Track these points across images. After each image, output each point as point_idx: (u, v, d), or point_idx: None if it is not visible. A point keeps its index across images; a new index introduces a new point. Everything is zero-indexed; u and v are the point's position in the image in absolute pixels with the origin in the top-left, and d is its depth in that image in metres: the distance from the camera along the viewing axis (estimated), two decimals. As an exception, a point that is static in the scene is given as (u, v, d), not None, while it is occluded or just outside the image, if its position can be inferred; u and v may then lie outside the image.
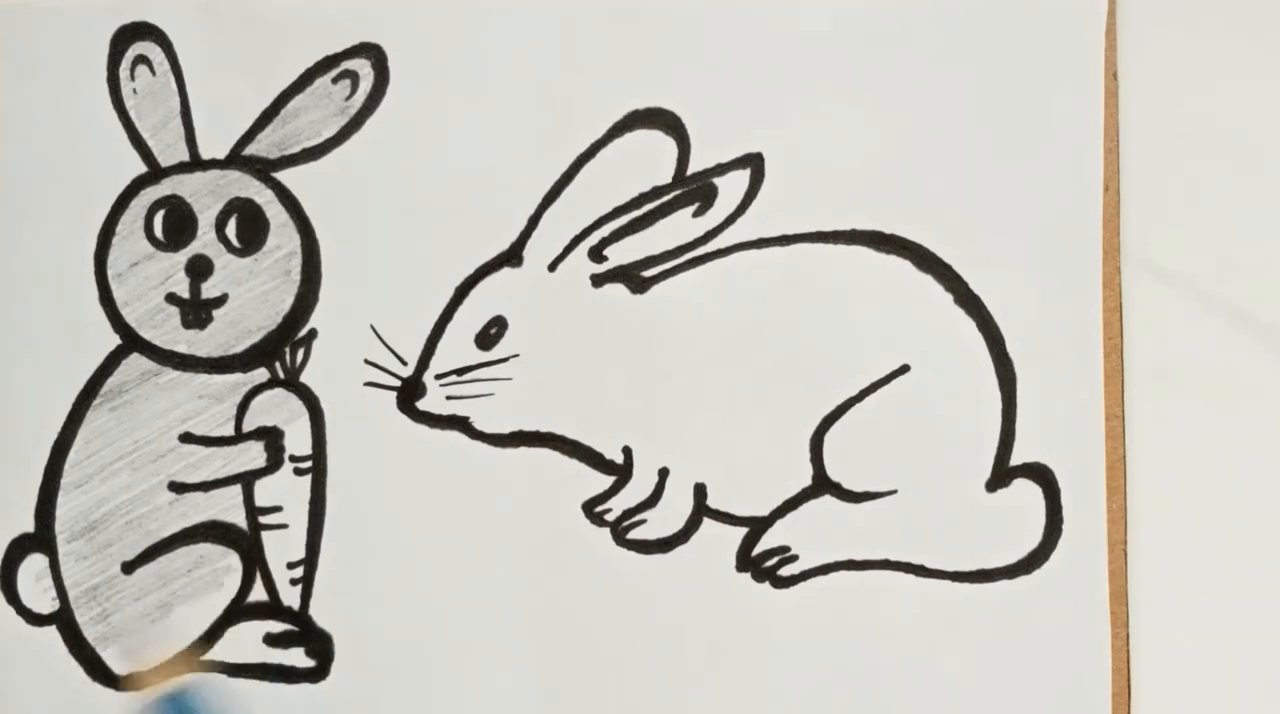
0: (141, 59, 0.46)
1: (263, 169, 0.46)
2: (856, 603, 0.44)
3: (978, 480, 0.44)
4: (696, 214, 0.45)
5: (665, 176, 0.45)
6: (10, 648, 0.45)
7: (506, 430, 0.45)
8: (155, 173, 0.46)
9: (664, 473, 0.45)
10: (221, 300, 0.46)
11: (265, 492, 0.45)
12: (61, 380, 0.46)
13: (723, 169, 0.45)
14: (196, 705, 0.43)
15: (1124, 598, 0.44)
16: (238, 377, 0.46)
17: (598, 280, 0.45)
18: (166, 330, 0.46)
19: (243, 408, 0.45)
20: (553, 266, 0.45)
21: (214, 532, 0.45)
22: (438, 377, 0.45)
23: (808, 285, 0.45)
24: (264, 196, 0.46)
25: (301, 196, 0.46)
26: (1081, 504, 0.44)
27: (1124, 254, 0.45)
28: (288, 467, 0.45)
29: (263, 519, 0.45)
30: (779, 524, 0.44)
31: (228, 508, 0.45)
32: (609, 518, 0.45)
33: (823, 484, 0.45)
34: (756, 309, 0.45)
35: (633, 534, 0.45)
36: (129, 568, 0.45)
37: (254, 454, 0.45)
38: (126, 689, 0.45)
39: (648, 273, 0.45)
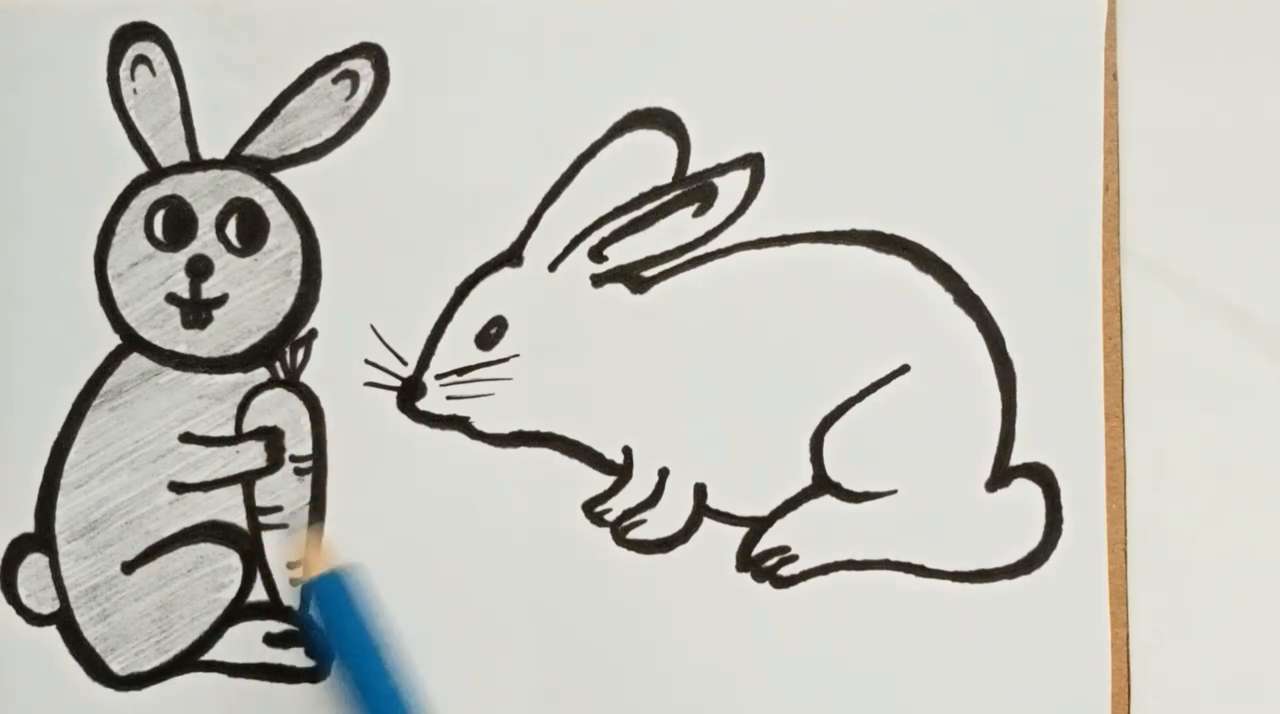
0: (141, 59, 0.46)
1: (263, 169, 0.46)
2: (856, 603, 0.44)
3: (978, 480, 0.44)
4: (696, 214, 0.45)
5: (665, 176, 0.45)
6: (10, 648, 0.45)
7: (506, 430, 0.45)
8: (155, 173, 0.46)
9: (664, 473, 0.45)
10: (221, 300, 0.46)
11: (265, 492, 0.45)
12: (61, 380, 0.46)
13: (723, 169, 0.45)
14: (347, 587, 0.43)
15: (1124, 598, 0.44)
16: (238, 377, 0.46)
17: (598, 280, 0.45)
18: (166, 330, 0.46)
19: (243, 408, 0.45)
20: (553, 267, 0.45)
21: (214, 532, 0.45)
22: (438, 376, 0.45)
23: (808, 285, 0.45)
24: (264, 196, 0.46)
25: (301, 196, 0.46)
26: (1081, 504, 0.44)
27: (1124, 254, 0.45)
28: (288, 466, 0.45)
29: (263, 519, 0.45)
30: (779, 524, 0.45)
31: (228, 508, 0.45)
32: (609, 518, 0.45)
33: (823, 484, 0.45)
34: (756, 309, 0.45)
35: (633, 534, 0.45)
36: (129, 568, 0.45)
37: (254, 454, 0.45)
38: (127, 689, 0.45)
39: (648, 273, 0.45)
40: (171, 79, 0.46)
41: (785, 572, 0.44)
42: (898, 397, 0.44)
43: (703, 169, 0.45)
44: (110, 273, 0.46)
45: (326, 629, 0.43)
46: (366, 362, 0.45)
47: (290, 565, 0.45)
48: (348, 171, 0.46)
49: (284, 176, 0.46)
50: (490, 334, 0.45)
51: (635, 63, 0.46)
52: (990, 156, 0.45)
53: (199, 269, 0.46)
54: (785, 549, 0.44)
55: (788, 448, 0.45)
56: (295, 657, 0.45)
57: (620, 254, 0.45)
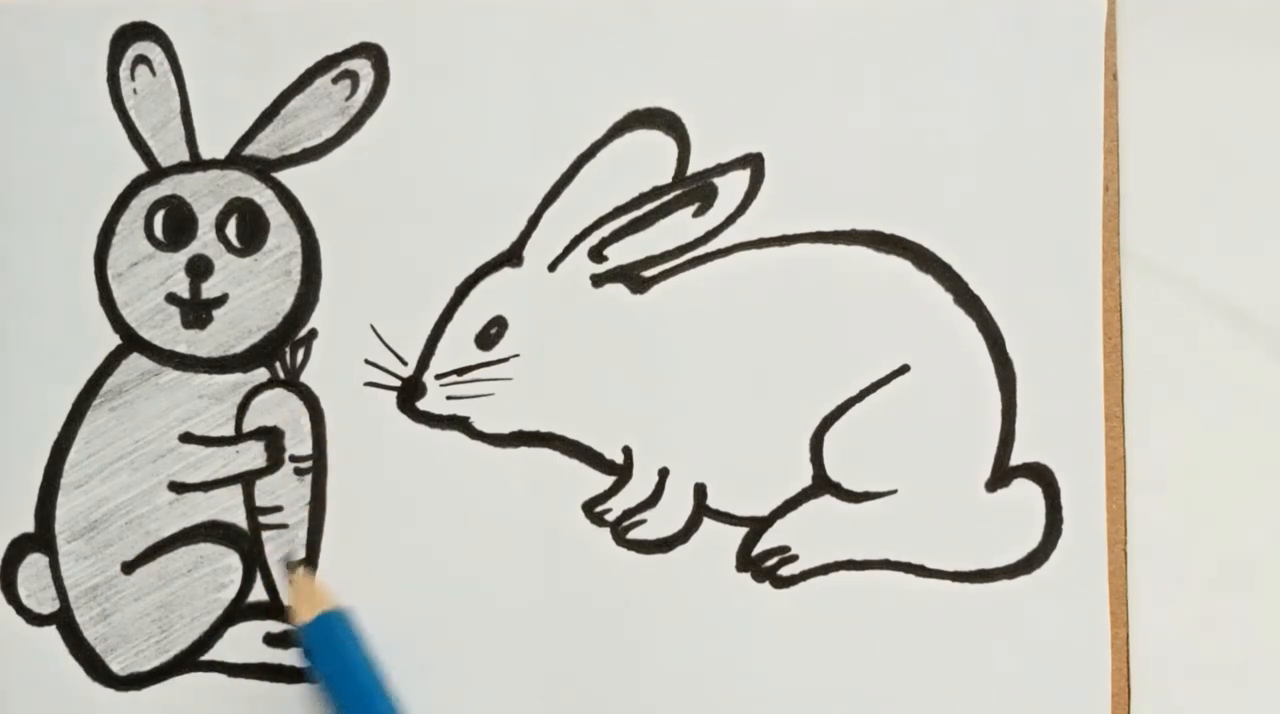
0: (141, 59, 0.46)
1: (263, 169, 0.46)
2: (856, 603, 0.44)
3: (978, 480, 0.44)
4: (696, 214, 0.45)
5: (665, 176, 0.45)
6: (10, 648, 0.45)
7: (506, 430, 0.45)
8: (155, 173, 0.46)
9: (664, 473, 0.45)
10: (221, 300, 0.46)
11: (265, 492, 0.45)
12: (61, 380, 0.46)
13: (723, 169, 0.45)
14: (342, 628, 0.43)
15: (1124, 598, 0.44)
16: (238, 377, 0.46)
17: (598, 280, 0.45)
18: (166, 330, 0.46)
19: (243, 408, 0.45)
20: (553, 266, 0.45)
21: (214, 532, 0.45)
22: (438, 376, 0.45)
23: (808, 285, 0.45)
24: (264, 196, 0.46)
25: (301, 196, 0.46)
26: (1081, 504, 0.44)
27: (1124, 254, 0.45)
28: (288, 466, 0.45)
29: (263, 519, 0.45)
30: (779, 524, 0.45)
31: (228, 508, 0.45)
32: (609, 518, 0.45)
33: (823, 484, 0.45)
34: (756, 309, 0.45)
35: (633, 534, 0.45)
36: (129, 568, 0.45)
37: (254, 454, 0.45)
38: (127, 689, 0.45)
39: (648, 273, 0.45)
40: (171, 79, 0.46)
41: (785, 572, 0.44)
42: (898, 397, 0.44)
43: (703, 169, 0.45)
44: (110, 273, 0.46)
45: (318, 673, 0.42)
46: (366, 362, 0.45)
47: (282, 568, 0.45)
48: (348, 171, 0.46)
49: (284, 176, 0.46)
50: (490, 334, 0.45)
51: (635, 63, 0.46)
52: (990, 157, 0.45)
53: (199, 269, 0.46)
54: (785, 549, 0.44)
55: (788, 448, 0.45)
56: (295, 657, 0.45)
57: (620, 254, 0.45)
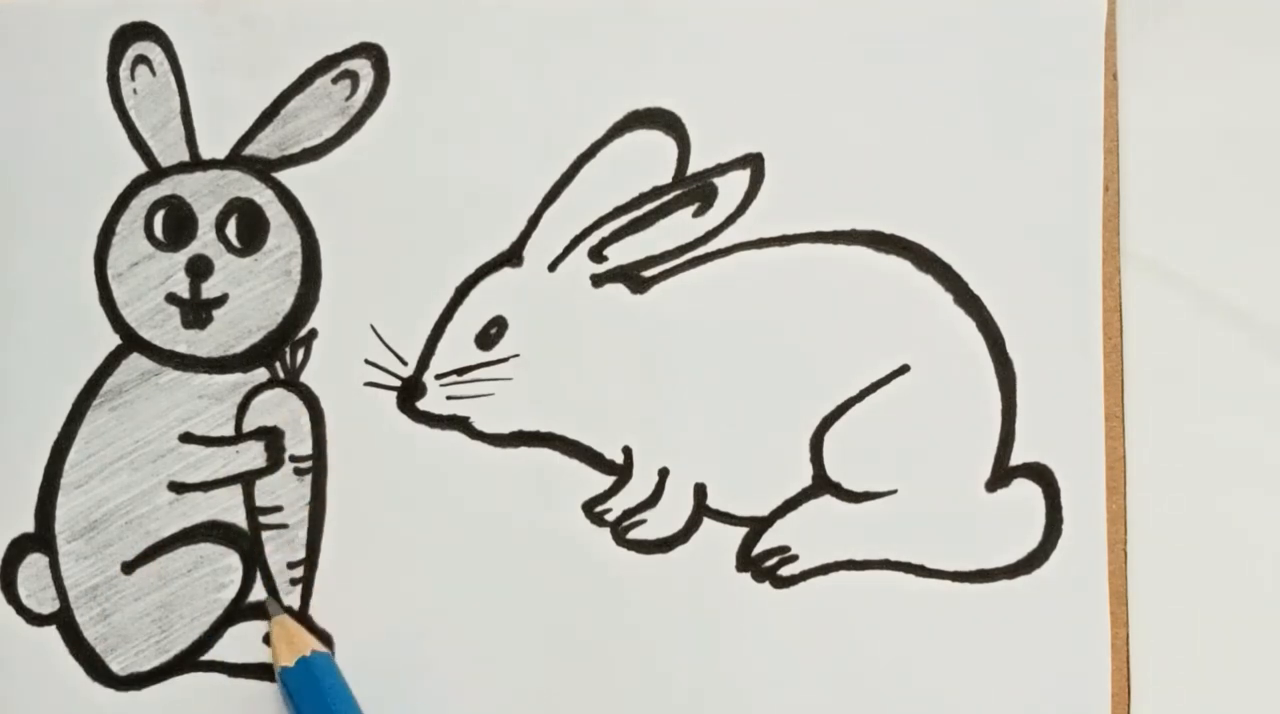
0: (141, 59, 0.46)
1: (263, 169, 0.46)
2: (856, 603, 0.44)
3: (978, 480, 0.44)
4: (696, 214, 0.45)
5: (665, 176, 0.45)
6: (10, 648, 0.45)
7: (506, 430, 0.45)
8: (155, 173, 0.46)
9: (664, 473, 0.45)
10: (221, 300, 0.46)
11: (265, 492, 0.45)
12: (61, 380, 0.46)
13: (723, 169, 0.45)
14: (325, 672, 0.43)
15: (1124, 598, 0.44)
16: (238, 376, 0.46)
17: (598, 280, 0.45)
18: (166, 330, 0.46)
19: (243, 408, 0.45)
20: (553, 266, 0.45)
21: (214, 532, 0.45)
22: (438, 376, 0.45)
23: (808, 285, 0.45)
24: (264, 196, 0.46)
25: (301, 196, 0.46)
26: (1081, 504, 0.44)
27: (1124, 254, 0.45)
28: (288, 466, 0.45)
29: (263, 519, 0.45)
30: (779, 524, 0.44)
31: (228, 508, 0.45)
32: (609, 518, 0.45)
33: (823, 484, 0.45)
34: (756, 309, 0.45)
35: (633, 534, 0.45)
36: (129, 568, 0.45)
37: (254, 454, 0.45)
38: (127, 689, 0.45)
39: (648, 273, 0.45)
40: (171, 79, 0.46)
41: (785, 572, 0.44)
42: (898, 397, 0.44)
43: (703, 169, 0.45)
44: (110, 273, 0.46)
45: None
46: (366, 362, 0.45)
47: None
48: (348, 171, 0.46)
49: (284, 176, 0.46)
50: (490, 334, 0.45)
51: (635, 63, 0.46)
52: (990, 156, 0.45)
53: (199, 269, 0.46)
54: (785, 549, 0.44)
55: (788, 448, 0.45)
56: (295, 657, 0.45)
57: (620, 254, 0.45)
